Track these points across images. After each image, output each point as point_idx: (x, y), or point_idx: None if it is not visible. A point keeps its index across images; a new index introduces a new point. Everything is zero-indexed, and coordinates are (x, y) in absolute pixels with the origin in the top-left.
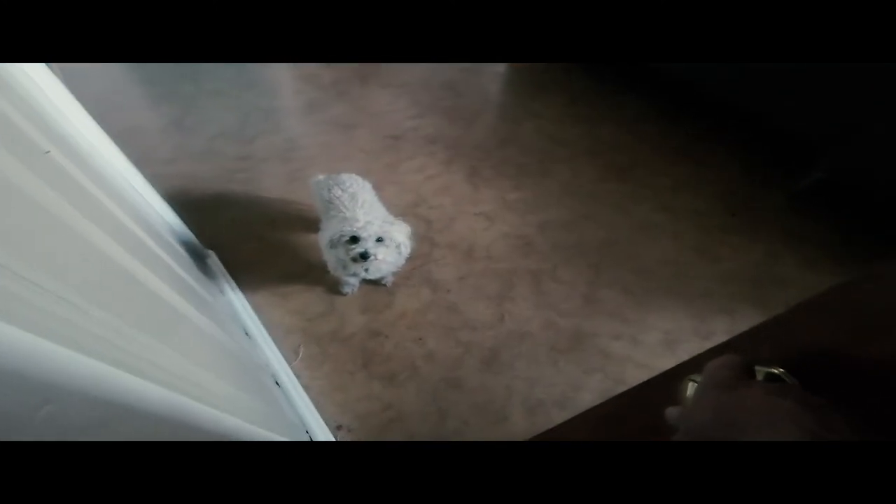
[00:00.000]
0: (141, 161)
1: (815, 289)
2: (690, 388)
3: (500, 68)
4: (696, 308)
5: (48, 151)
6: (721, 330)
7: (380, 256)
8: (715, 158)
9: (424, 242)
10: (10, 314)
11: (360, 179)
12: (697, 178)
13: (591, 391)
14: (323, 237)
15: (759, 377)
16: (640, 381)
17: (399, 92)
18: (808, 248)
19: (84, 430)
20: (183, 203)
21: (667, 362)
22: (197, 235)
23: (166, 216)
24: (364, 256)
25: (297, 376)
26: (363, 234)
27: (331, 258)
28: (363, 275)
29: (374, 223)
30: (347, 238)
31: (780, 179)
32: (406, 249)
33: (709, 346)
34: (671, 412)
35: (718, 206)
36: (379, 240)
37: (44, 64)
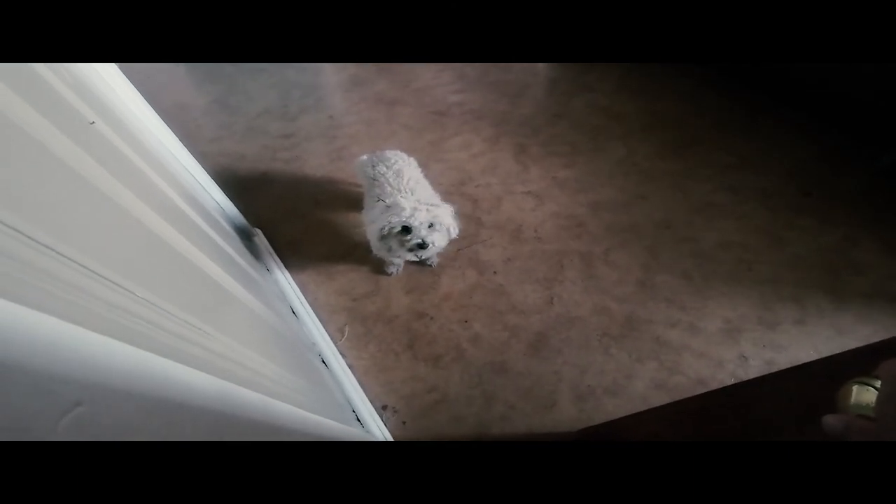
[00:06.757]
0: (187, 139)
1: None
2: (860, 394)
3: None
4: (761, 295)
5: (93, 122)
6: (789, 319)
7: (436, 243)
8: (786, 134)
9: (471, 222)
10: (39, 297)
11: (405, 156)
12: (765, 156)
13: (644, 380)
14: (367, 216)
15: None
16: (699, 370)
17: (443, 66)
18: (890, 231)
19: (118, 433)
20: (228, 181)
21: (728, 352)
22: (243, 213)
23: (213, 193)
24: (422, 246)
25: (343, 356)
26: (414, 223)
27: (375, 240)
28: (409, 256)
29: (420, 209)
30: (399, 229)
31: (860, 156)
32: (455, 231)
33: (776, 337)
34: (833, 423)
35: (788, 186)
36: (430, 225)
37: None
